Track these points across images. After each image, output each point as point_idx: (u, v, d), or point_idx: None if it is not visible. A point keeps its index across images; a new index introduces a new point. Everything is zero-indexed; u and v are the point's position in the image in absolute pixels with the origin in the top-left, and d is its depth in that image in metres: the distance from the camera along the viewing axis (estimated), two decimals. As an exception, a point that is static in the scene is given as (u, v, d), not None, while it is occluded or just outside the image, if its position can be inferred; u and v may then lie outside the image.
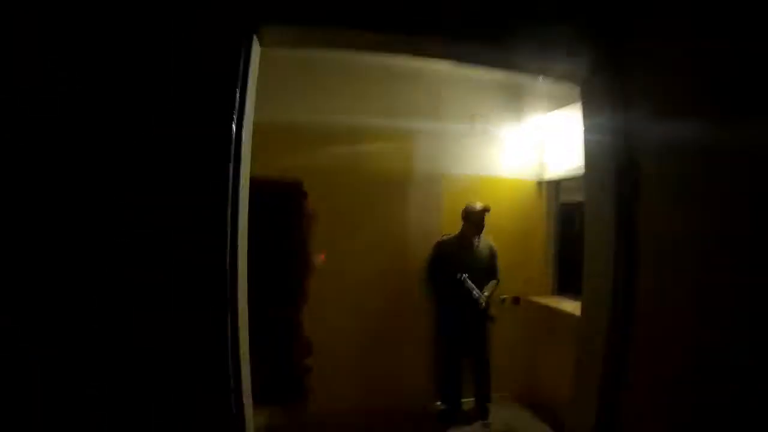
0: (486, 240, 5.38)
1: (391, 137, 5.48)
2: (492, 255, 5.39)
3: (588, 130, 2.26)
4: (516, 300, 5.78)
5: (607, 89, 2.15)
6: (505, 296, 5.67)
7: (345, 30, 2.10)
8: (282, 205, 5.35)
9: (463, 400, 5.47)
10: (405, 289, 5.50)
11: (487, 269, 5.30)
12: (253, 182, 5.24)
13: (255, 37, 1.95)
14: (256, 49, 2.01)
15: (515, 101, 5.97)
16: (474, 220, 5.25)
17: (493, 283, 5.28)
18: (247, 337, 2.13)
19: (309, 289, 5.35)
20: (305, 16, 2.01)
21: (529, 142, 6.02)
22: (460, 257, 5.22)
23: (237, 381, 1.97)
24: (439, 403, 5.51)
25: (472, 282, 5.09)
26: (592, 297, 2.19)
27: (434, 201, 5.65)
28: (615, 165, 2.09)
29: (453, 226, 5.40)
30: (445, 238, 5.40)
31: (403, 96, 5.57)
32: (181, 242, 1.80)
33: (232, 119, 1.84)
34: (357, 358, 5.46)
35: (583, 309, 2.26)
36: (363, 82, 5.43)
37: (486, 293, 5.13)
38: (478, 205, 5.26)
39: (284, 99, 5.11)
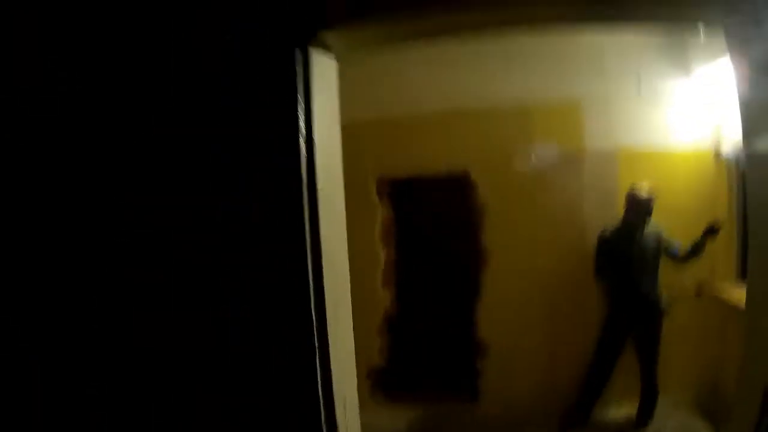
0: (654, 226, 4.70)
1: (558, 112, 5.04)
2: (661, 244, 4.72)
3: (741, 83, 1.79)
4: (698, 292, 4.99)
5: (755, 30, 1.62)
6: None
7: (426, 14, 1.68)
8: (451, 199, 5.25)
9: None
10: (587, 282, 4.95)
11: (656, 260, 4.69)
12: (421, 181, 5.40)
13: (311, 47, 1.68)
14: (319, 59, 1.73)
15: (682, 58, 5.09)
16: (641, 207, 4.63)
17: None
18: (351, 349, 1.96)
19: (483, 285, 5.19)
20: (371, 8, 1.65)
21: (702, 102, 5.06)
22: (626, 250, 4.65)
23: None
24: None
25: (641, 275, 4.61)
26: (760, 283, 1.76)
27: (610, 182, 5.01)
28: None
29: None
30: (607, 229, 4.80)
31: (564, 68, 5.08)
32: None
33: (298, 139, 1.65)
34: (531, 357, 5.14)
35: (748, 301, 1.81)
36: (520, 60, 5.03)
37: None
38: (645, 189, 4.62)
39: (446, 88, 5.08)
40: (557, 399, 4.98)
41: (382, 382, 5.41)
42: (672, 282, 4.88)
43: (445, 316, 5.36)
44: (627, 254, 4.64)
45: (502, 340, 5.14)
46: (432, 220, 5.36)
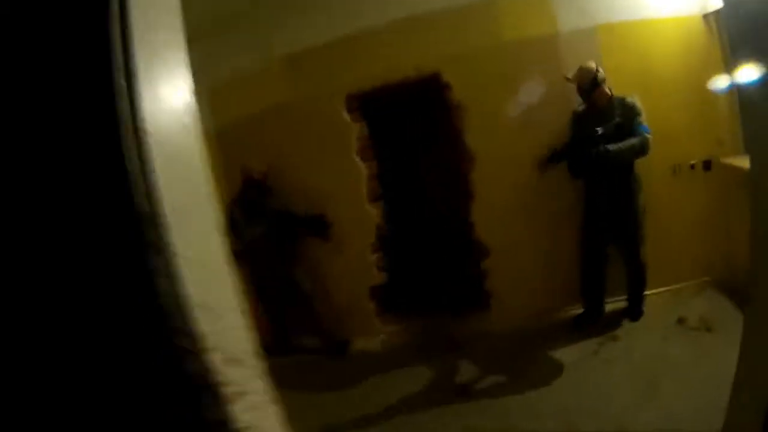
0: (622, 99, 4.36)
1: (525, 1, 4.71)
2: (630, 116, 4.32)
3: None
4: (707, 164, 4.69)
5: None
6: (693, 161, 4.68)
7: None
8: (424, 103, 5.06)
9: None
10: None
11: (625, 134, 4.29)
12: (391, 91, 5.19)
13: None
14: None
15: None
16: (580, 86, 4.40)
17: (630, 141, 4.24)
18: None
19: (473, 186, 5.01)
20: None
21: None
22: (589, 127, 4.35)
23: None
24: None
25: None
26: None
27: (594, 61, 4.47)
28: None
29: (621, 86, 4.42)
30: (579, 108, 4.55)
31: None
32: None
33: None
34: (536, 254, 4.95)
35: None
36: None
37: (614, 148, 4.23)
38: (582, 68, 4.37)
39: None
40: (568, 295, 4.86)
41: (387, 300, 5.34)
42: (677, 157, 4.69)
43: (441, 224, 5.22)
44: (592, 134, 4.34)
45: (502, 240, 4.95)
46: (410, 129, 5.18)
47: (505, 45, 4.76)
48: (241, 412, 1.43)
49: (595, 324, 4.62)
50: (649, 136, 4.24)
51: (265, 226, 4.90)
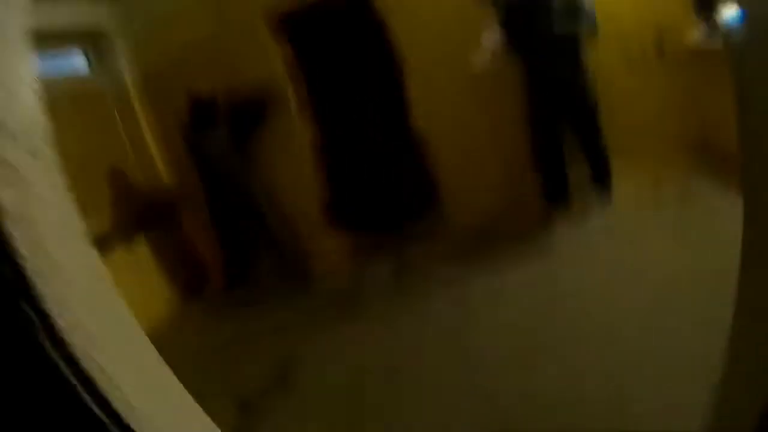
0: None
1: None
2: (572, 3, 4.12)
3: None
4: (660, 50, 4.62)
5: None
6: (646, 47, 4.61)
7: None
8: (351, 15, 4.94)
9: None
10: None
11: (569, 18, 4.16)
12: (311, 5, 5.01)
13: None
14: None
15: None
16: None
17: (576, 19, 4.10)
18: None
19: (407, 82, 4.88)
20: None
21: None
22: (525, 16, 4.17)
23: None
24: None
25: (553, 53, 4.17)
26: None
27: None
28: None
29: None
30: None
31: None
32: None
33: None
34: (486, 144, 4.92)
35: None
36: None
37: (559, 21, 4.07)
38: None
39: None
40: (527, 183, 4.77)
41: (334, 212, 5.31)
42: (628, 43, 4.53)
43: (378, 129, 5.19)
44: (531, 28, 4.12)
45: (445, 135, 4.88)
46: (337, 44, 5.09)
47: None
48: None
49: (560, 202, 4.51)
50: (595, 18, 4.06)
51: (224, 126, 4.84)
